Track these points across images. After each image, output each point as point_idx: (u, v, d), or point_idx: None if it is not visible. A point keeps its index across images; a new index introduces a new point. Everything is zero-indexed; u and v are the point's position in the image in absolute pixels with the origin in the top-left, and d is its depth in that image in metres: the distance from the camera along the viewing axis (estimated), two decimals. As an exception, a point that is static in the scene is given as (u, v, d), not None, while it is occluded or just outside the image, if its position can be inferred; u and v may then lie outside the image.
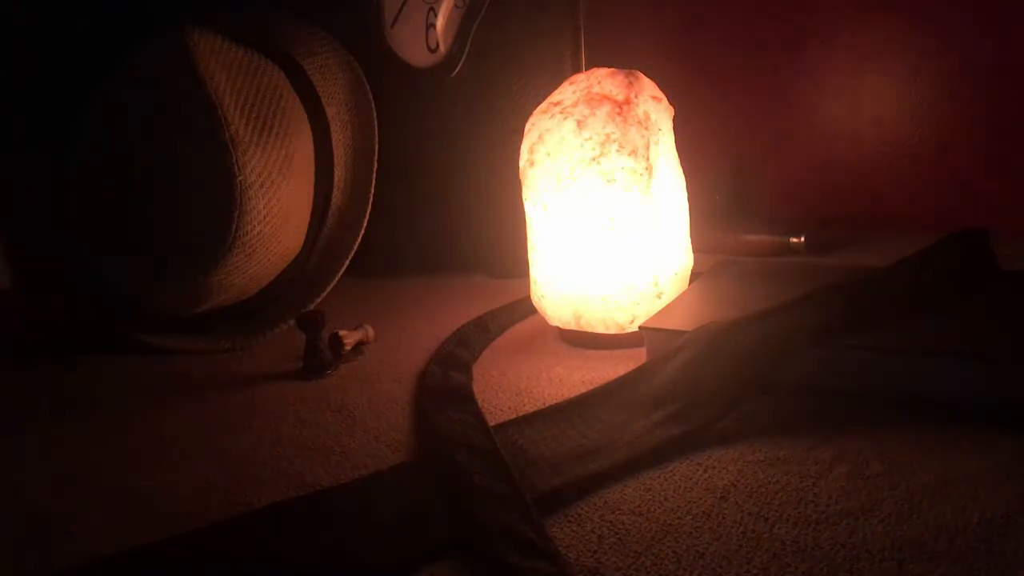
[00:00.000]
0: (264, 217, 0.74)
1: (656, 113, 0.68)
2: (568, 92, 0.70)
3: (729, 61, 1.06)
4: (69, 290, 0.87)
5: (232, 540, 0.45)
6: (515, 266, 0.88)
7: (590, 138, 0.66)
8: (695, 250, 0.74)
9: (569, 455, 0.51)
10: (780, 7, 1.03)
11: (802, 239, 0.93)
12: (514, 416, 0.57)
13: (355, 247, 0.83)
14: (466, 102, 0.93)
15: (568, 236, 0.68)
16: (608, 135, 0.65)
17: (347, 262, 0.83)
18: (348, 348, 0.72)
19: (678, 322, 0.63)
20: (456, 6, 0.89)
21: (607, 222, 0.66)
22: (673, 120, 0.71)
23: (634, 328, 0.68)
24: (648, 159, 0.66)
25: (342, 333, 0.72)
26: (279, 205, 0.76)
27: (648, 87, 0.69)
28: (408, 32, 0.91)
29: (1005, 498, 0.44)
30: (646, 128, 0.66)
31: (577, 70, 0.89)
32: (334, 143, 0.84)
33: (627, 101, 0.67)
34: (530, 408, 0.59)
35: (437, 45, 0.90)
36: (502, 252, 0.92)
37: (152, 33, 0.78)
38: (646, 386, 0.57)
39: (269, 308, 0.81)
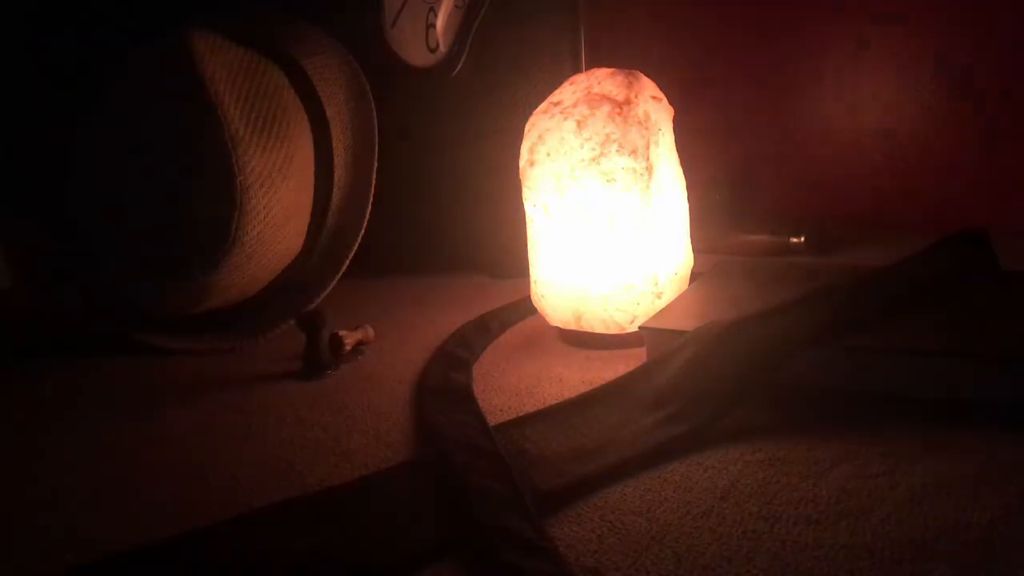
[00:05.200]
0: (264, 217, 0.74)
1: (656, 113, 0.68)
2: (568, 92, 0.70)
3: (729, 61, 1.06)
4: (69, 290, 0.87)
5: (232, 540, 0.45)
6: (515, 266, 0.88)
7: (590, 138, 0.66)
8: (695, 250, 0.74)
9: (569, 455, 0.51)
10: (781, 8, 1.03)
11: (802, 239, 0.93)
12: (514, 416, 0.57)
13: (355, 247, 0.83)
14: (466, 102, 0.93)
15: (568, 236, 0.68)
16: (608, 135, 0.65)
17: (347, 262, 0.83)
18: (348, 348, 0.72)
19: (678, 322, 0.63)
20: (456, 6, 0.89)
21: (607, 222, 0.66)
22: (673, 120, 0.71)
23: (634, 328, 0.68)
24: (648, 159, 0.66)
25: (342, 333, 0.72)
26: (279, 205, 0.76)
27: (648, 87, 0.69)
28: (408, 32, 0.91)
29: (1005, 498, 0.44)
30: (646, 128, 0.66)
31: (577, 70, 0.89)
32: (334, 143, 0.84)
33: (627, 101, 0.67)
34: (530, 408, 0.59)
35: (437, 45, 0.90)
36: (502, 252, 0.92)
37: (152, 33, 0.78)
38: (646, 386, 0.57)
39: (269, 308, 0.81)
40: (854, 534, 0.42)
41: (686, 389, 0.55)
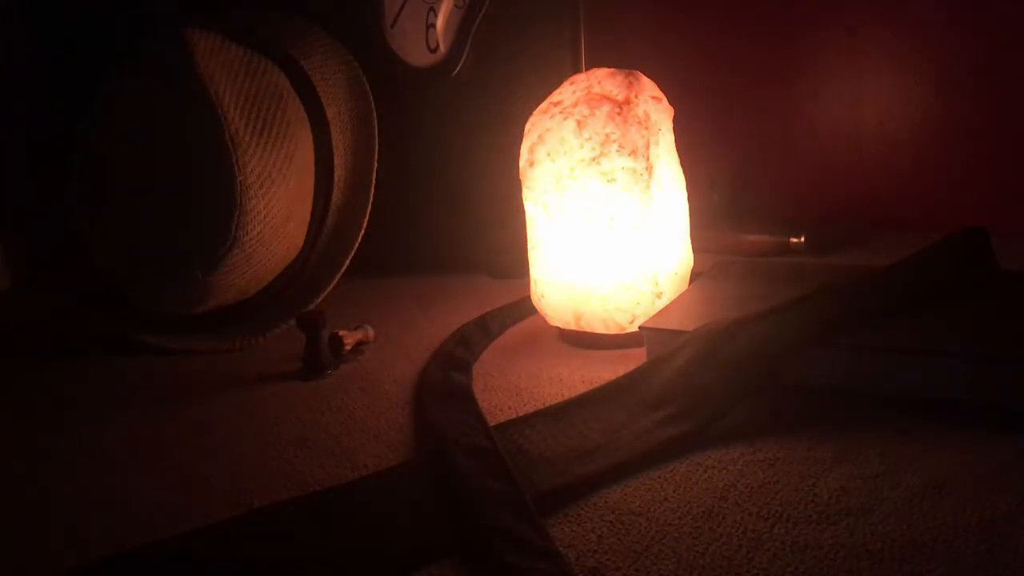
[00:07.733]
0: (264, 217, 0.74)
1: (656, 113, 0.68)
2: (568, 92, 0.70)
3: (729, 61, 1.06)
4: (69, 290, 0.87)
5: (232, 540, 0.45)
6: (515, 266, 0.87)
7: (590, 138, 0.66)
8: (695, 250, 0.74)
9: (569, 455, 0.51)
10: (780, 8, 1.03)
11: (802, 239, 0.93)
12: (514, 416, 0.57)
13: (355, 247, 0.83)
14: (466, 102, 0.93)
15: (568, 236, 0.68)
16: (608, 135, 0.65)
17: (347, 262, 0.83)
18: (348, 348, 0.72)
19: (678, 322, 0.63)
20: (456, 6, 0.89)
21: (607, 222, 0.66)
22: (673, 120, 0.71)
23: (634, 328, 0.68)
24: (648, 159, 0.66)
25: (342, 333, 0.72)
26: (279, 205, 0.76)
27: (648, 87, 0.69)
28: (408, 32, 0.91)
29: (1005, 498, 0.44)
30: (646, 128, 0.66)
31: (577, 70, 0.89)
32: (334, 143, 0.84)
33: (627, 101, 0.67)
34: (530, 408, 0.59)
35: (437, 45, 0.90)
36: (502, 252, 0.92)
37: (152, 33, 0.78)
38: (646, 386, 0.57)
39: (269, 308, 0.81)
40: (854, 534, 0.42)
41: (686, 389, 0.55)
